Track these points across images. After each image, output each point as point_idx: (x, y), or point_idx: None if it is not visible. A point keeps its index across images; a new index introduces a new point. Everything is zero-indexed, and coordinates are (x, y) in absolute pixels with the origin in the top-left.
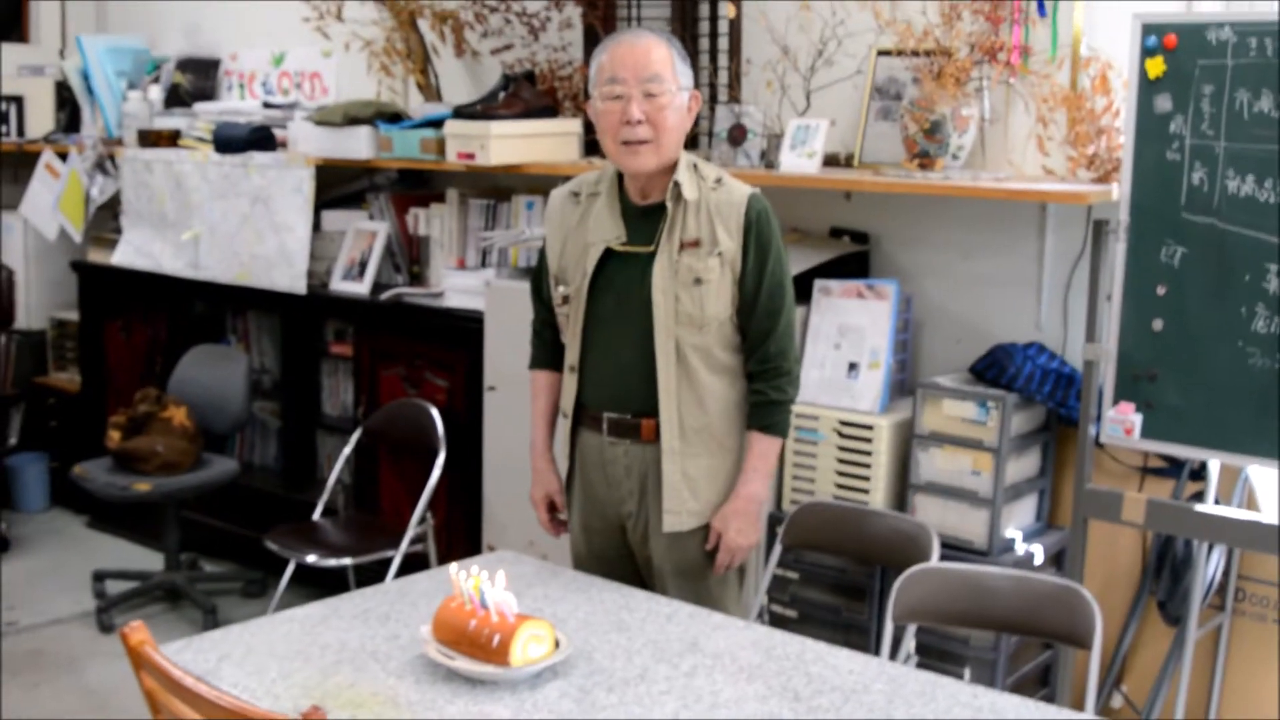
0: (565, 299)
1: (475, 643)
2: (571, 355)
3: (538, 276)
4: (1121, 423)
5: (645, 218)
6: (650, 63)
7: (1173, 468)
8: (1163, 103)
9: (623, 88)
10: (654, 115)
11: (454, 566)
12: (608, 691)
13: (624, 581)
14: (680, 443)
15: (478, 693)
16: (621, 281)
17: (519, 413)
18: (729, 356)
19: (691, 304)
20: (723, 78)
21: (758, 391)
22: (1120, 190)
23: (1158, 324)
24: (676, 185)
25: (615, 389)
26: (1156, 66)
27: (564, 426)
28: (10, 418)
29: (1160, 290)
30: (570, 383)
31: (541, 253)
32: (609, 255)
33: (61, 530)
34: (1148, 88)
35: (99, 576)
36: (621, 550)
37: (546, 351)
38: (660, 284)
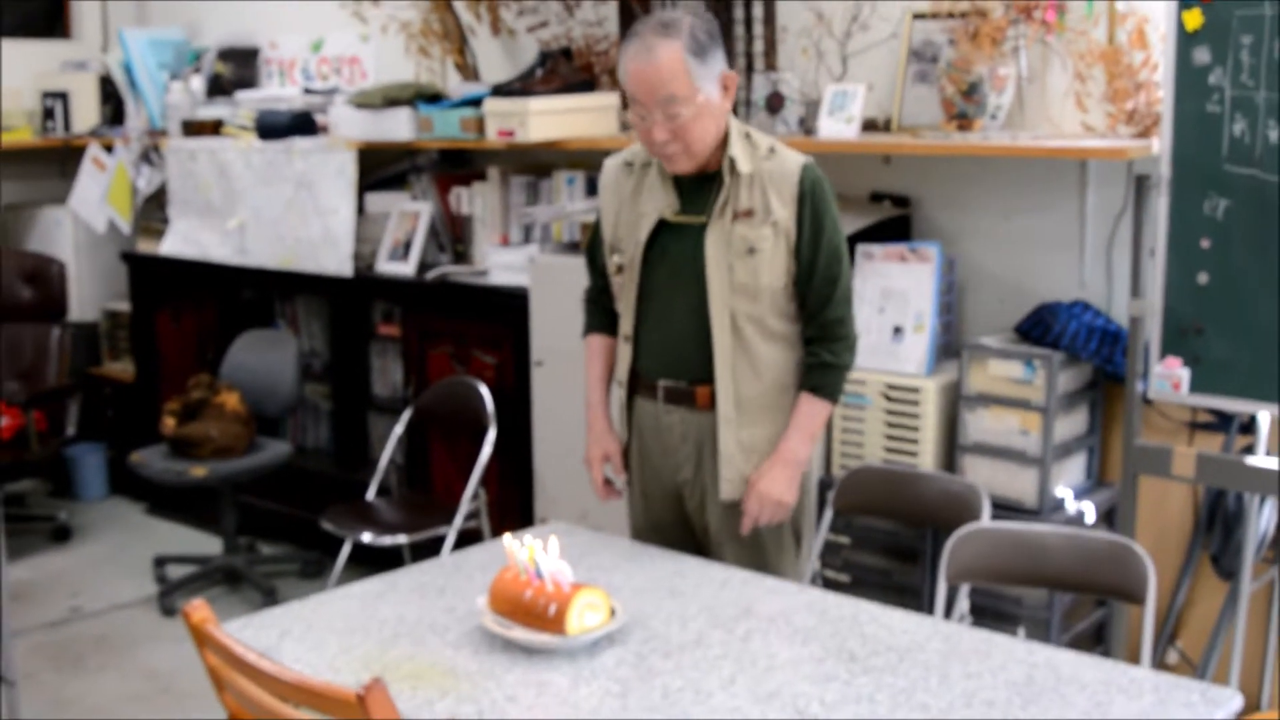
0: (620, 268)
1: (531, 612)
2: (626, 325)
3: (592, 245)
4: (1169, 378)
5: (698, 187)
6: (663, 83)
7: (1222, 422)
8: (1201, 55)
9: (642, 109)
10: (678, 131)
11: (508, 538)
12: (664, 657)
13: (682, 549)
14: (736, 411)
15: (535, 661)
16: (675, 251)
17: (567, 387)
18: (784, 325)
19: (745, 273)
20: (759, 46)
21: (813, 354)
22: (1161, 144)
23: (1203, 277)
24: (731, 160)
25: (670, 357)
26: (1194, 19)
27: (619, 395)
28: (67, 409)
29: (1204, 243)
30: (625, 351)
31: (596, 223)
32: (662, 225)
33: (121, 518)
34: (1186, 40)
35: (159, 561)
36: (679, 518)
37: (601, 317)
38: (714, 254)
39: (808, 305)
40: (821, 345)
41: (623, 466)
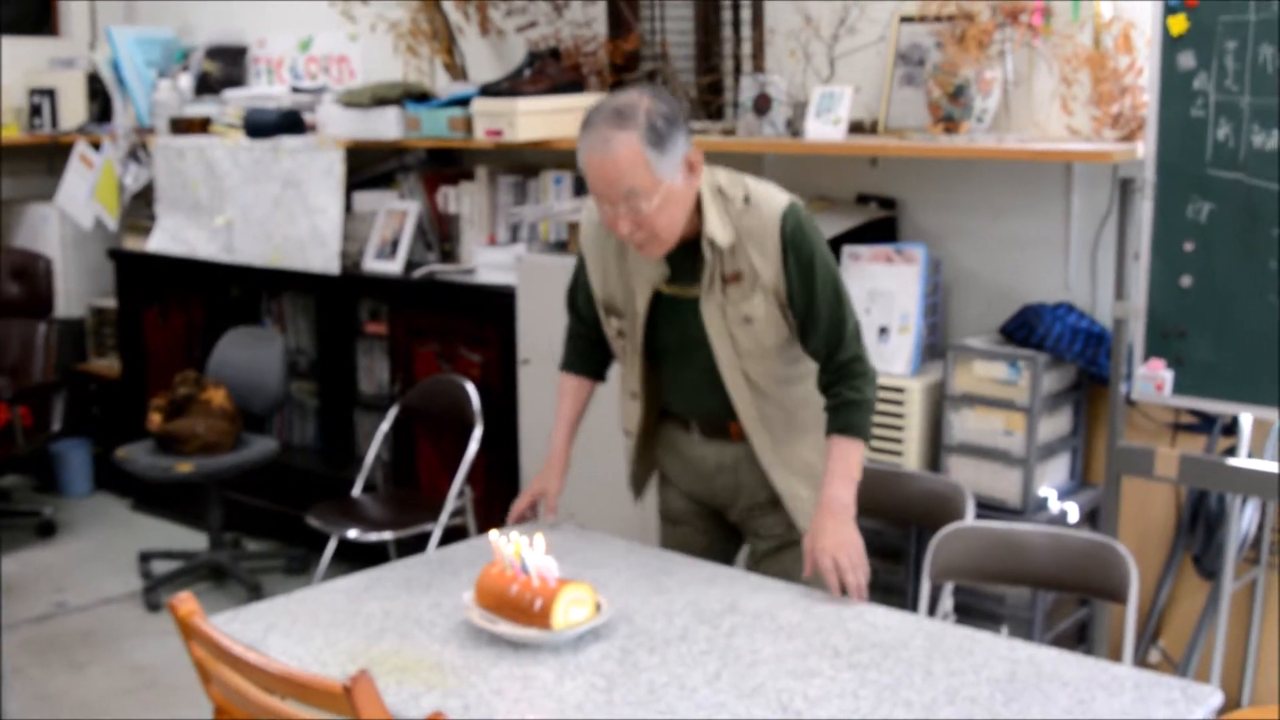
0: (620, 333)
1: (517, 607)
2: (631, 382)
3: (573, 290)
4: (1152, 379)
5: (685, 253)
6: (621, 178)
7: (1204, 423)
8: (1186, 60)
9: (604, 203)
10: (643, 222)
11: (495, 533)
12: (649, 652)
13: (715, 534)
14: (773, 450)
15: (521, 656)
16: (675, 318)
17: (553, 385)
18: (800, 365)
19: (748, 340)
20: (746, 48)
21: (835, 394)
22: (1145, 148)
23: (1186, 280)
24: (709, 237)
25: (691, 405)
26: (1179, 24)
27: (629, 444)
28: (53, 405)
29: (1188, 247)
30: (634, 408)
31: (578, 269)
32: (658, 294)
33: (106, 513)
34: (1170, 45)
35: (145, 557)
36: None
37: (579, 358)
38: (713, 326)
39: (819, 351)
40: (843, 385)
41: (553, 508)
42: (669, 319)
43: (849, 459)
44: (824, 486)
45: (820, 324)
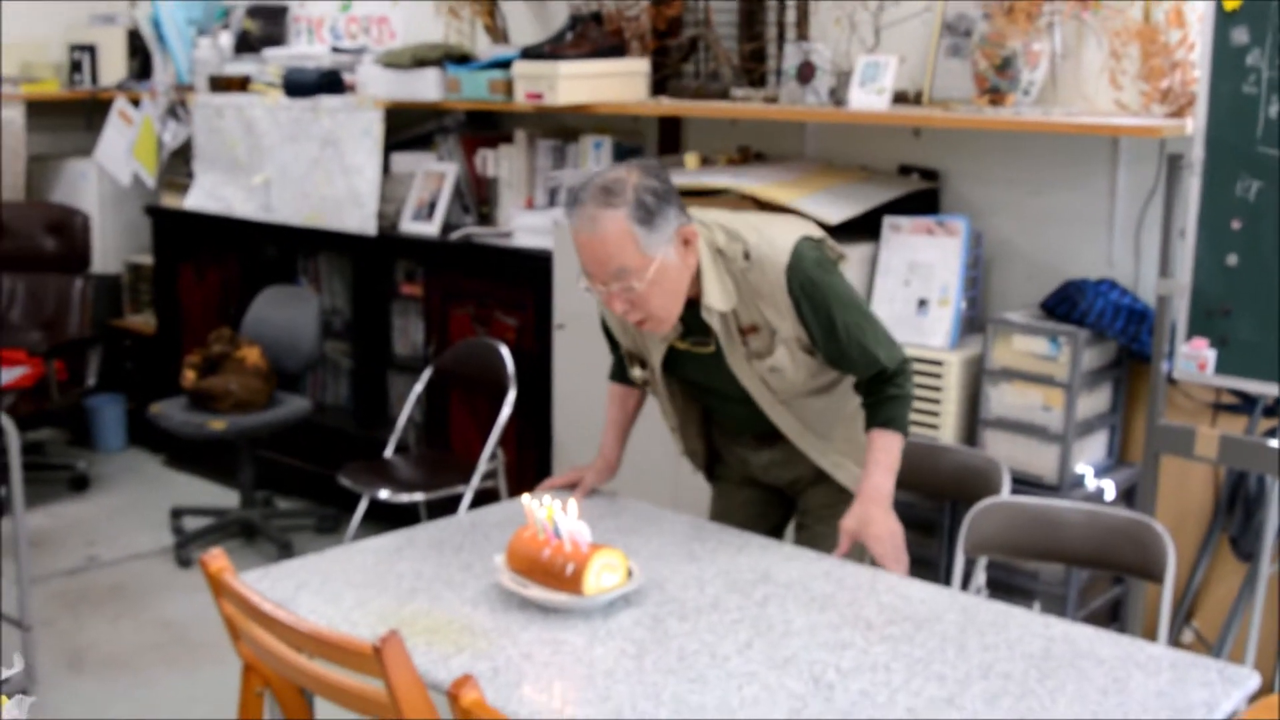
0: (645, 381)
1: (549, 571)
2: (669, 420)
3: (602, 320)
4: (1195, 358)
5: (695, 309)
6: (610, 257)
7: (1245, 403)
8: (1239, 35)
9: (596, 282)
10: (636, 301)
11: (527, 497)
12: (680, 620)
13: (770, 506)
14: (819, 444)
15: (551, 620)
16: (698, 367)
17: (588, 350)
18: (833, 374)
19: (778, 381)
20: (791, 15)
21: (875, 391)
22: (1195, 124)
23: (1232, 259)
24: (707, 306)
25: (737, 426)
26: None
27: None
28: (88, 360)
29: (1235, 225)
30: (676, 437)
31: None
32: (673, 348)
33: (139, 469)
34: (1224, 20)
35: (176, 513)
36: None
37: (622, 370)
38: (744, 376)
39: (858, 378)
40: (882, 384)
41: (585, 490)
42: (692, 367)
43: (891, 451)
44: (867, 476)
45: (854, 362)
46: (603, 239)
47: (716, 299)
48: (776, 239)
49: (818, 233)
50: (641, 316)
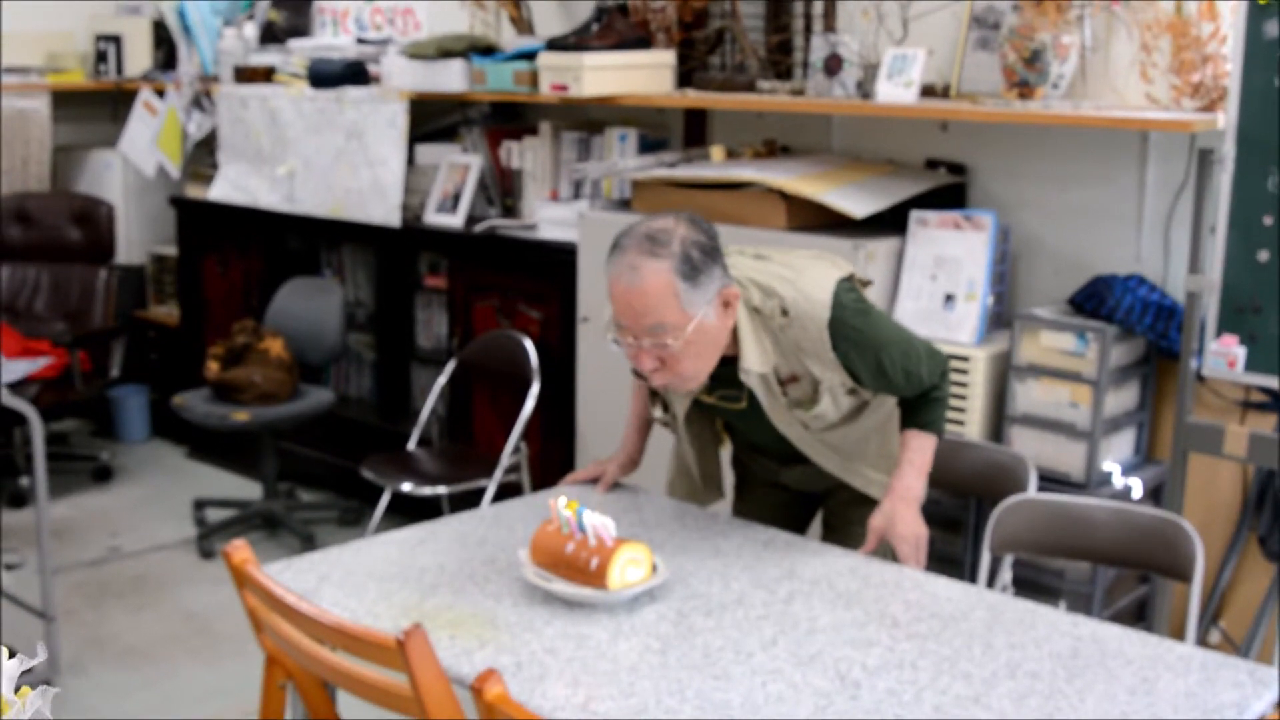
0: (665, 423)
1: (573, 566)
2: (686, 459)
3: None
4: (1224, 355)
5: (725, 365)
6: (648, 311)
7: (1275, 401)
8: (1272, 29)
9: (628, 335)
10: (667, 360)
11: (551, 492)
12: (705, 615)
13: (792, 508)
14: (844, 464)
15: (575, 615)
16: (728, 415)
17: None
18: (864, 404)
19: (816, 421)
20: (818, 7)
21: (912, 398)
22: (1226, 119)
23: (1263, 255)
24: (745, 369)
25: (764, 450)
26: None
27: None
28: (112, 351)
29: (1267, 220)
30: (696, 473)
31: None
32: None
33: (162, 460)
34: (1257, 13)
35: (199, 505)
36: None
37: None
38: (782, 424)
39: (896, 395)
40: (922, 392)
41: (608, 483)
42: (719, 415)
43: (925, 451)
44: (899, 476)
45: (900, 388)
46: (643, 290)
47: (755, 361)
48: (812, 291)
49: (846, 268)
50: (668, 378)
